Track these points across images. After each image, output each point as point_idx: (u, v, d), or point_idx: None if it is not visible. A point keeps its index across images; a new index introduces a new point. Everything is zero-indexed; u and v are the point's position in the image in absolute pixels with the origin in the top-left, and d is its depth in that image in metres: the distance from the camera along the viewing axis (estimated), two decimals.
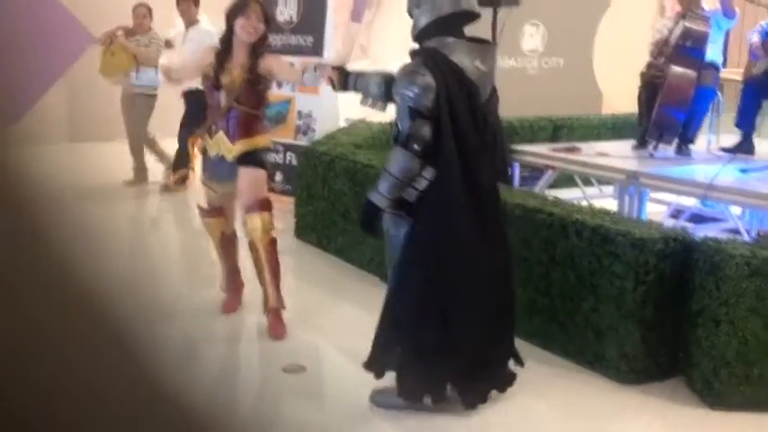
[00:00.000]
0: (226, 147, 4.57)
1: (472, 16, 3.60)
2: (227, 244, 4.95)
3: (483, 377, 3.76)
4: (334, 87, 4.08)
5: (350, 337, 4.61)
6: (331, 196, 6.14)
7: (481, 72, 3.50)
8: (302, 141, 7.57)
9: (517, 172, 7.11)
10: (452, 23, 3.49)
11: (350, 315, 5.07)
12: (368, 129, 7.13)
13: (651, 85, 6.76)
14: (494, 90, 3.69)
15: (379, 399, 3.77)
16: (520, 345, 4.57)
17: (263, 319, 4.65)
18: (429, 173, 3.49)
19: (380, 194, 3.54)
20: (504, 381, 3.87)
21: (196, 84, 7.99)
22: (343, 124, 7.68)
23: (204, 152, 4.74)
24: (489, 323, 3.72)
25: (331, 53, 7.70)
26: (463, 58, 3.44)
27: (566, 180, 7.51)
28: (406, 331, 3.62)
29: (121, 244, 6.89)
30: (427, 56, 3.47)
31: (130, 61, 8.17)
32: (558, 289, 4.42)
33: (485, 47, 3.59)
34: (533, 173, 7.33)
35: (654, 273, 4.05)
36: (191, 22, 8.18)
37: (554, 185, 7.08)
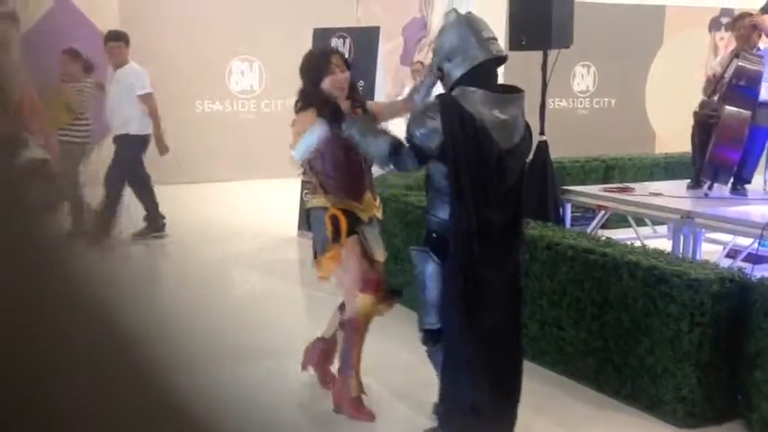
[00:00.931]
0: (374, 205, 4.13)
1: (501, 60, 3.64)
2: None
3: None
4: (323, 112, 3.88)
5: (398, 377, 4.60)
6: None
7: (502, 121, 3.49)
8: None
9: (569, 213, 7.08)
10: (484, 72, 3.51)
11: (398, 355, 5.06)
12: (419, 170, 7.16)
13: (705, 125, 6.70)
14: (526, 136, 3.66)
15: None
16: (572, 386, 4.54)
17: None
18: (442, 212, 3.56)
19: (349, 130, 3.70)
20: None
21: (127, 129, 7.76)
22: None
23: (352, 223, 4.04)
24: (500, 378, 3.66)
25: (381, 97, 7.79)
26: (480, 107, 3.45)
27: (618, 220, 7.45)
28: (446, 378, 3.64)
29: (163, 286, 7.00)
30: (441, 101, 3.53)
31: (64, 112, 7.55)
32: (612, 330, 4.37)
33: (506, 96, 3.59)
34: (585, 213, 7.29)
35: (710, 314, 3.98)
36: (119, 63, 7.93)
37: (606, 226, 7.02)
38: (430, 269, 3.65)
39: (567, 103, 11.96)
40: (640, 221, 7.33)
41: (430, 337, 3.76)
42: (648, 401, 4.20)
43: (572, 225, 6.86)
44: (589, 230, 6.41)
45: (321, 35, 8.35)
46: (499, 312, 3.61)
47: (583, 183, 7.70)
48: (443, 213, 3.55)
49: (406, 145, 3.56)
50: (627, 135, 11.29)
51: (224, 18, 11.62)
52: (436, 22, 13.39)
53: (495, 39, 3.56)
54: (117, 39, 7.99)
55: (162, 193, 8.35)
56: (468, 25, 3.53)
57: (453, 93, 3.51)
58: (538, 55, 6.79)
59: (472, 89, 3.45)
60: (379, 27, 8.18)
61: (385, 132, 3.75)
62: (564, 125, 9.99)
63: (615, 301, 4.35)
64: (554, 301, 4.68)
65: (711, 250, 6.66)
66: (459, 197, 3.44)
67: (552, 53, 6.71)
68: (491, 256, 3.51)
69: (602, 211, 6.85)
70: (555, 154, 7.00)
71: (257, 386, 4.59)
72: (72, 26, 10.73)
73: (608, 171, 8.27)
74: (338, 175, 4.04)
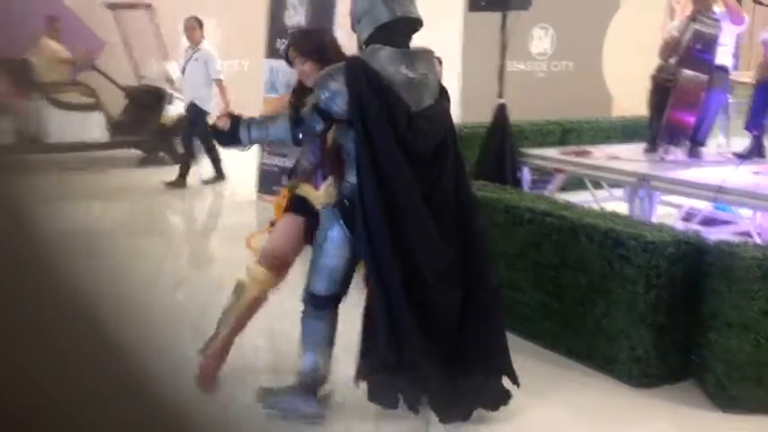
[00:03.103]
0: (331, 192, 3.72)
1: (416, 23, 3.55)
2: (256, 306, 4.06)
3: (460, 394, 3.60)
4: (219, 141, 3.84)
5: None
6: None
7: (410, 79, 3.45)
8: None
9: (526, 176, 7.10)
10: (392, 32, 3.46)
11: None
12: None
13: (662, 89, 6.74)
14: (441, 99, 3.59)
15: (271, 402, 3.75)
16: (530, 347, 4.58)
17: (274, 327, 4.61)
18: (353, 177, 3.49)
19: (249, 135, 3.65)
20: (495, 399, 3.70)
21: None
22: None
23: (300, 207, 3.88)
24: (452, 340, 3.56)
25: None
26: (387, 65, 3.42)
27: (575, 184, 7.49)
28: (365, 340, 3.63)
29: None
30: (346, 63, 3.49)
31: None
32: (569, 292, 4.40)
33: (415, 52, 3.54)
34: (543, 176, 7.32)
35: (665, 276, 4.03)
36: (195, 43, 8.68)
37: (563, 189, 7.06)
38: (335, 234, 3.59)
39: (525, 66, 11.94)
40: (597, 184, 7.39)
41: (315, 302, 3.67)
42: (604, 362, 4.25)
43: (530, 188, 6.89)
44: (546, 193, 6.44)
45: None
46: (439, 282, 3.50)
47: (541, 146, 7.72)
48: (354, 177, 3.48)
49: (305, 113, 3.50)
50: (584, 98, 11.32)
51: None
52: None
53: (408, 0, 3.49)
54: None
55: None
56: None
57: (363, 53, 3.49)
58: (497, 17, 6.75)
59: (378, 46, 3.43)
60: None
61: (278, 114, 3.71)
62: (522, 88, 9.97)
63: (573, 264, 4.38)
64: (512, 264, 4.70)
65: (667, 213, 6.75)
66: (372, 160, 3.37)
67: (511, 15, 6.68)
68: (414, 224, 3.43)
69: (560, 174, 6.89)
70: (513, 117, 7.00)
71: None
72: None
73: (565, 134, 8.30)
74: (302, 156, 3.93)
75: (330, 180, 3.72)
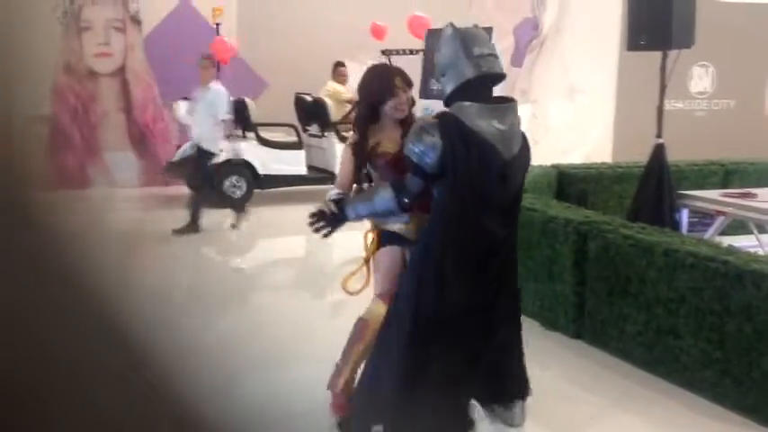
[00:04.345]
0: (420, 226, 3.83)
1: (497, 78, 3.61)
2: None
3: None
4: (328, 225, 3.79)
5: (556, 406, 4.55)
6: None
7: (501, 131, 3.49)
8: None
9: (685, 218, 6.87)
10: (477, 87, 3.51)
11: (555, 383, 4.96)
12: (528, 173, 7.08)
13: None
14: (524, 147, 3.64)
15: None
16: (688, 397, 4.40)
17: None
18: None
19: (356, 212, 3.73)
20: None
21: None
22: None
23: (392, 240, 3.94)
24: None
25: None
26: (478, 121, 3.46)
27: (736, 227, 7.18)
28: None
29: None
30: (440, 119, 3.53)
31: None
32: (733, 341, 4.21)
33: (501, 106, 3.58)
34: (703, 219, 7.06)
35: None
36: (206, 83, 8.60)
37: (722, 233, 6.79)
38: None
39: (684, 105, 11.62)
40: (762, 228, 7.05)
41: None
42: None
43: (688, 231, 6.66)
44: (707, 236, 6.20)
45: (434, 35, 8.35)
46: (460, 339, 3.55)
47: (701, 187, 7.47)
48: None
49: (407, 178, 3.56)
50: (746, 138, 10.89)
51: (337, 20, 11.71)
52: (548, 22, 13.22)
53: (491, 55, 3.54)
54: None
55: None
56: (461, 41, 3.52)
57: (451, 109, 3.54)
58: (652, 56, 6.61)
59: (467, 104, 3.47)
60: (492, 27, 8.10)
61: (376, 187, 3.76)
62: (680, 127, 9.70)
63: (737, 311, 4.19)
64: (671, 309, 4.55)
65: None
66: (449, 217, 3.46)
67: (672, 54, 6.53)
68: (470, 276, 3.52)
69: (721, 217, 6.63)
70: (671, 157, 6.81)
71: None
72: (191, 27, 11.07)
73: (728, 176, 7.99)
74: None
75: (418, 214, 3.77)
